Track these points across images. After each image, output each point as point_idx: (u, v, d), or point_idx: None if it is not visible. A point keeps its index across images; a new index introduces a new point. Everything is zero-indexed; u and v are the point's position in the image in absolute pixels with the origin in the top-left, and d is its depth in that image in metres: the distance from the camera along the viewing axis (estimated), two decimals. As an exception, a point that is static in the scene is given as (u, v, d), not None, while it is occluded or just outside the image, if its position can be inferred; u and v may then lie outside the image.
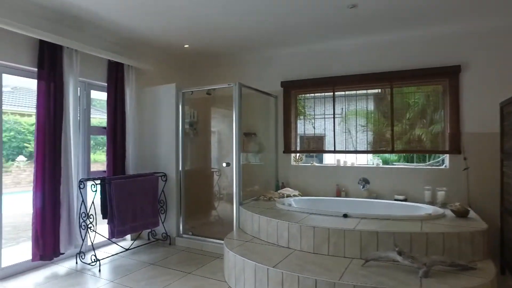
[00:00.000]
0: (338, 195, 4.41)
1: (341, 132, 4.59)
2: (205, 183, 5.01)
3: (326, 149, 4.77)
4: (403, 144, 4.27)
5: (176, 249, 4.10)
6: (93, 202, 3.54)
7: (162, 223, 4.28)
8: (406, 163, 4.75)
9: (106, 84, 4.09)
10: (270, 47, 4.67)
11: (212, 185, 5.02)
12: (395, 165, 4.55)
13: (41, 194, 3.35)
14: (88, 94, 4.02)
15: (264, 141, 4.94)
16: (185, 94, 4.35)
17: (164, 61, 4.99)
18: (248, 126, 4.64)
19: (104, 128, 4.13)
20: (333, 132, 4.57)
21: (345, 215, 3.24)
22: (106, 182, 3.58)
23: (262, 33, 4.10)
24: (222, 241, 3.89)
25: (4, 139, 12.10)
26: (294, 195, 4.39)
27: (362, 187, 4.32)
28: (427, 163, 4.44)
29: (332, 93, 4.60)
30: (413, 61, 4.10)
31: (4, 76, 3.30)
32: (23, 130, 13.48)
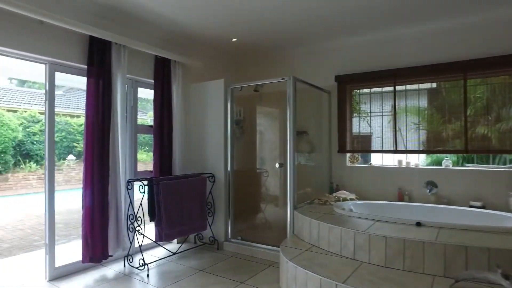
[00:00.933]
0: (401, 199, 3.96)
1: (390, 130, 4.15)
2: (253, 185, 4.74)
3: (373, 148, 4.34)
4: (464, 143, 3.74)
5: (224, 255, 3.87)
6: (141, 204, 3.38)
7: (210, 226, 4.07)
8: (481, 165, 4.20)
9: (153, 81, 3.95)
10: (323, 39, 4.32)
11: (260, 187, 4.75)
12: (468, 166, 4.02)
13: (90, 194, 3.25)
14: (135, 92, 3.90)
15: (316, 140, 4.59)
16: (234, 90, 4.11)
17: (210, 57, 4.79)
18: (299, 124, 4.31)
19: (151, 126, 3.99)
20: (393, 130, 4.13)
21: (418, 224, 2.83)
22: (154, 183, 3.42)
23: (315, 23, 3.76)
24: (274, 248, 3.62)
25: (56, 139, 12.66)
26: (351, 199, 4.00)
27: (429, 191, 3.85)
28: (508, 165, 3.88)
29: (392, 87, 4.16)
30: (493, 47, 3.57)
31: (57, 74, 3.22)
32: (73, 131, 14.03)
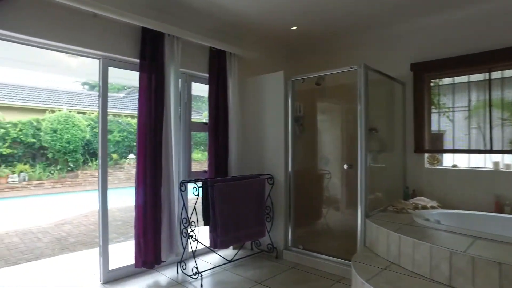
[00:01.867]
0: (499, 210, 3.26)
1: (478, 125, 3.44)
2: (314, 188, 4.30)
3: (456, 147, 3.64)
4: None
5: (284, 265, 3.49)
6: (194, 208, 3.12)
7: (268, 232, 3.71)
8: None
9: (207, 75, 3.69)
10: (396, 21, 3.73)
11: (322, 190, 4.29)
12: None
13: (143, 195, 3.07)
14: (189, 86, 3.67)
15: (387, 138, 4.02)
16: (295, 83, 3.72)
17: (267, 48, 4.44)
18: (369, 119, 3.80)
19: (206, 124, 3.74)
20: (488, 125, 3.42)
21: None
22: (209, 185, 3.14)
23: (387, 2, 3.22)
24: (341, 261, 3.17)
25: (118, 139, 13.14)
26: (432, 207, 3.39)
27: (538, 201, 3.11)
28: None
29: (484, 74, 3.46)
30: None
31: (110, 70, 3.09)
32: (133, 131, 14.62)
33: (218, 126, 3.68)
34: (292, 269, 3.38)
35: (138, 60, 3.11)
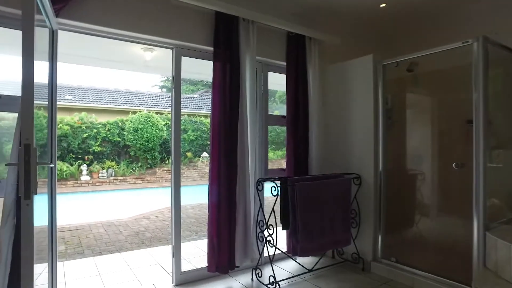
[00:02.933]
0: None
1: None
2: (407, 190, 3.68)
3: None
4: None
5: (373, 280, 2.99)
6: (273, 209, 2.80)
7: (353, 240, 3.24)
8: None
9: (285, 64, 3.35)
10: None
11: (416, 193, 3.66)
12: None
13: (217, 194, 2.84)
14: (266, 76, 3.37)
15: (505, 132, 3.26)
16: (387, 68, 3.19)
17: (352, 31, 3.92)
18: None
19: (283, 117, 3.41)
20: None
21: None
22: (289, 184, 2.79)
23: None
24: (450, 282, 2.58)
25: (192, 138, 13.54)
26: None
27: None
28: None
29: None
30: None
31: (183, 62, 2.92)
32: (206, 129, 15.04)
33: (297, 120, 3.32)
34: (384, 285, 2.87)
35: (211, 48, 2.89)
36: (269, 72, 3.40)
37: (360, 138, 3.31)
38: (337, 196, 3.03)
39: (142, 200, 10.20)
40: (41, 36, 2.25)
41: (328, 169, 3.47)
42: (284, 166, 3.38)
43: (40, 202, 2.40)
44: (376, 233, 3.21)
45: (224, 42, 2.91)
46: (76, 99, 14.07)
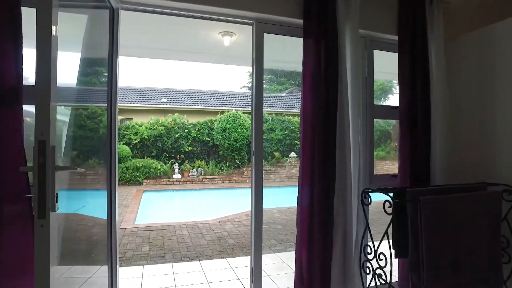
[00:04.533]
0: None
1: None
2: None
3: None
4: None
5: None
6: (386, 232, 2.05)
7: (505, 283, 2.28)
8: None
9: (396, 38, 2.56)
10: None
11: None
12: None
13: (308, 207, 2.22)
14: (370, 56, 2.62)
15: None
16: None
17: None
18: None
19: (395, 108, 2.62)
20: None
21: None
22: (409, 198, 2.01)
23: None
24: None
25: (280, 137, 13.19)
26: None
27: None
28: None
29: None
30: None
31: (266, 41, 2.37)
32: (295, 129, 14.60)
33: (414, 111, 2.50)
34: None
35: (301, 21, 2.28)
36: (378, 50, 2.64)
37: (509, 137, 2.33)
38: (479, 217, 2.13)
39: (228, 200, 10.12)
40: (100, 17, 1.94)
41: (460, 177, 2.54)
42: (388, 170, 2.59)
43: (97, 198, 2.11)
44: (540, 272, 2.21)
45: (317, 13, 2.27)
46: (170, 101, 14.88)
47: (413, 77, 2.52)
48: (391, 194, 2.07)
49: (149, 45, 3.36)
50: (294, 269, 2.30)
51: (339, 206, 2.22)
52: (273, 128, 13.11)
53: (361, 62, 2.52)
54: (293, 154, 12.75)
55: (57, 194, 1.01)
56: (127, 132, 12.00)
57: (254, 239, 2.40)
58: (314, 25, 2.27)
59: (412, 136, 2.49)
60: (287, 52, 3.58)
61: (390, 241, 2.05)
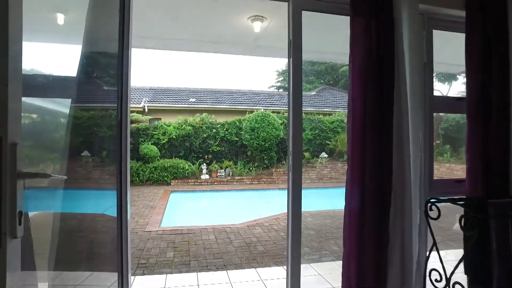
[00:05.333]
0: None
1: None
2: None
3: None
4: None
5: None
6: (463, 259, 1.62)
7: None
8: None
9: (463, 14, 2.11)
10: None
11: None
12: None
13: (357, 219, 1.83)
14: (430, 37, 2.19)
15: None
16: None
17: None
18: None
19: (460, 99, 2.17)
20: None
21: None
22: (495, 214, 1.57)
23: None
24: None
25: (310, 137, 12.66)
26: None
27: None
28: None
29: None
30: None
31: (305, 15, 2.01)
32: (325, 128, 13.98)
33: (487, 103, 2.04)
34: None
35: (348, -4, 1.89)
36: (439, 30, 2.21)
37: None
38: None
39: (257, 203, 9.79)
40: None
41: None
42: (443, 174, 2.14)
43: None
44: None
45: (369, -14, 1.88)
46: (199, 101, 14.77)
47: (486, 61, 2.06)
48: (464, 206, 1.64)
49: (169, 35, 3.07)
50: (332, 284, 1.92)
51: (396, 218, 1.82)
52: (303, 127, 12.68)
53: (420, 44, 2.10)
54: (323, 155, 12.24)
55: (20, 212, 0.69)
56: (155, 132, 11.96)
57: (291, 248, 2.05)
58: (365, 3, 1.88)
59: (485, 133, 2.04)
60: (323, 41, 3.20)
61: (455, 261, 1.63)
